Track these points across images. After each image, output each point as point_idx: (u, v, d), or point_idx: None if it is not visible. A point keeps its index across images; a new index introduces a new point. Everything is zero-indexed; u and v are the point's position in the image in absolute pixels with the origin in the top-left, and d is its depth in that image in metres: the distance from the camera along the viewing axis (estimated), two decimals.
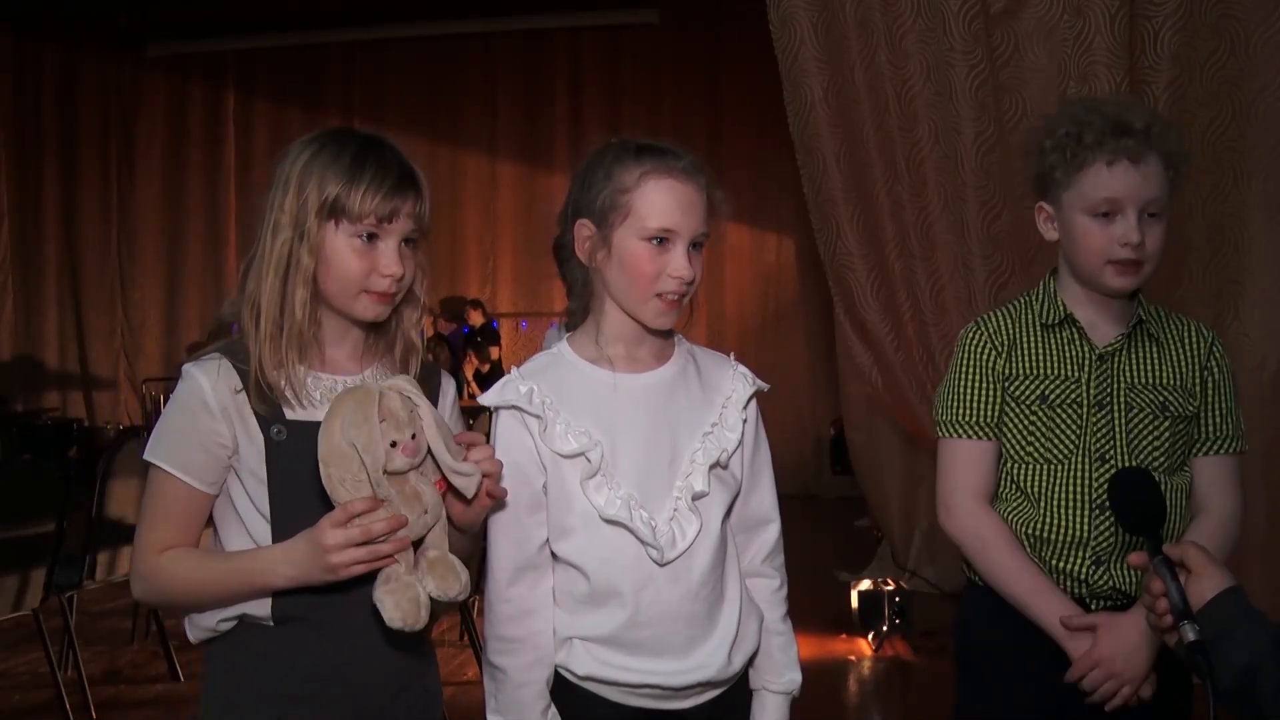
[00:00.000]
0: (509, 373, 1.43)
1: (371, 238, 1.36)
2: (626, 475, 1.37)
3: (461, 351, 8.95)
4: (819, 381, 8.17)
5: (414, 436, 1.27)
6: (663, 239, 1.36)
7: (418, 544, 1.30)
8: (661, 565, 1.36)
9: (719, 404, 1.44)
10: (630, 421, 1.39)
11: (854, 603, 4.33)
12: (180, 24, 9.35)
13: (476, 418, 6.45)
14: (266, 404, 1.36)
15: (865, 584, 4.41)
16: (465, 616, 3.49)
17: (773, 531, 1.50)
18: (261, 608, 1.36)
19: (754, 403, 1.48)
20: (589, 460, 1.37)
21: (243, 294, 1.39)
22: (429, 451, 1.28)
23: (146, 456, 1.38)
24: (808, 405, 8.37)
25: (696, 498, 1.38)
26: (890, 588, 4.34)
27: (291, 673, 1.36)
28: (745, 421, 1.45)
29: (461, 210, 9.69)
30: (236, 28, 9.27)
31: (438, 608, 1.31)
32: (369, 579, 1.28)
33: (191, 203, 9.85)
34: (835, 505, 7.12)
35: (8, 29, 9.16)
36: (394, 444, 1.25)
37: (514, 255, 9.59)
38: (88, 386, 9.75)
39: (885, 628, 4.21)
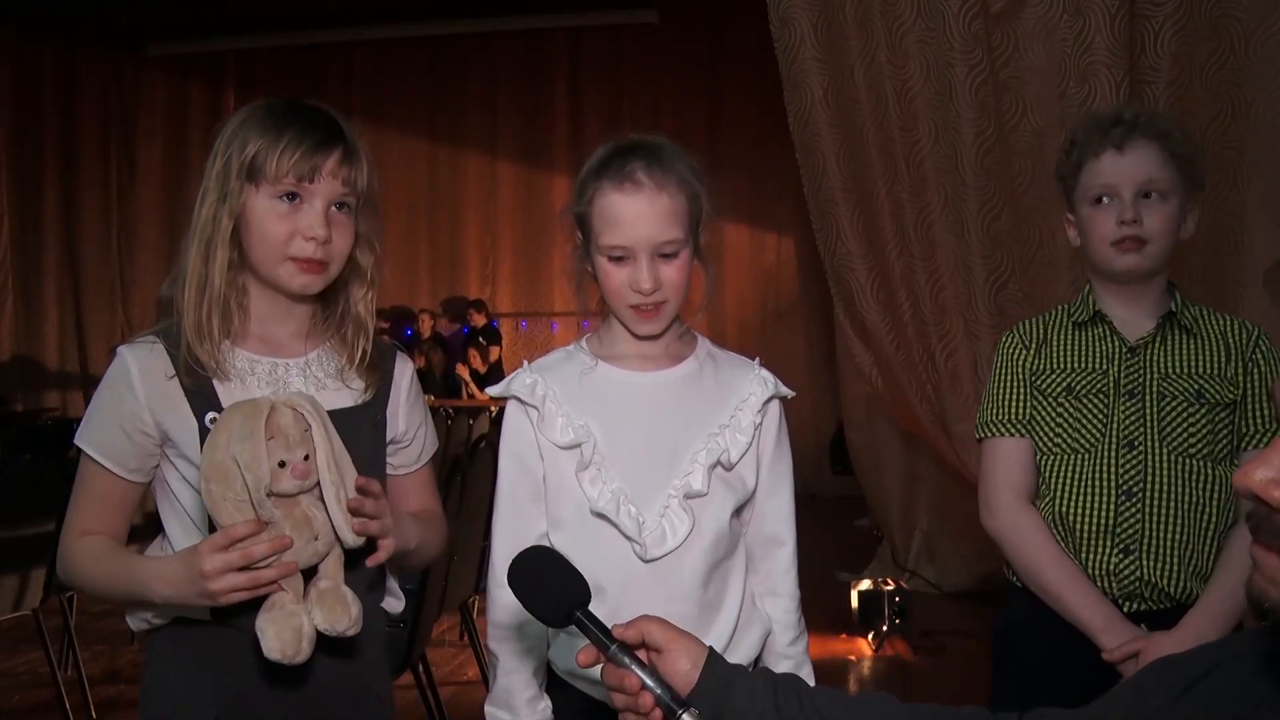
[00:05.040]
0: (521, 368, 1.44)
1: (293, 198, 1.31)
2: (620, 470, 1.36)
3: (460, 352, 8.97)
4: (819, 381, 8.17)
5: (307, 458, 1.19)
6: (621, 254, 1.34)
7: (310, 573, 1.24)
8: (646, 562, 1.35)
9: (733, 405, 1.42)
10: (632, 418, 1.39)
11: (854, 603, 4.33)
12: (180, 24, 9.36)
13: (477, 417, 6.47)
14: (198, 384, 1.31)
15: (865, 584, 4.41)
16: (465, 616, 3.49)
17: (786, 554, 1.46)
18: (199, 609, 1.30)
19: (776, 409, 1.45)
20: (582, 453, 1.36)
21: (175, 268, 1.35)
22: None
23: (75, 440, 1.35)
24: (808, 405, 8.37)
25: (691, 497, 1.36)
26: (890, 588, 4.33)
27: (230, 673, 1.32)
28: (759, 425, 1.42)
29: (461, 210, 9.70)
30: (236, 28, 9.27)
31: (327, 642, 1.24)
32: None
33: (191, 203, 9.76)
34: (835, 505, 7.12)
35: (8, 29, 9.15)
36: (282, 464, 1.18)
37: (514, 255, 9.60)
38: (88, 386, 9.74)
39: (885, 628, 4.20)
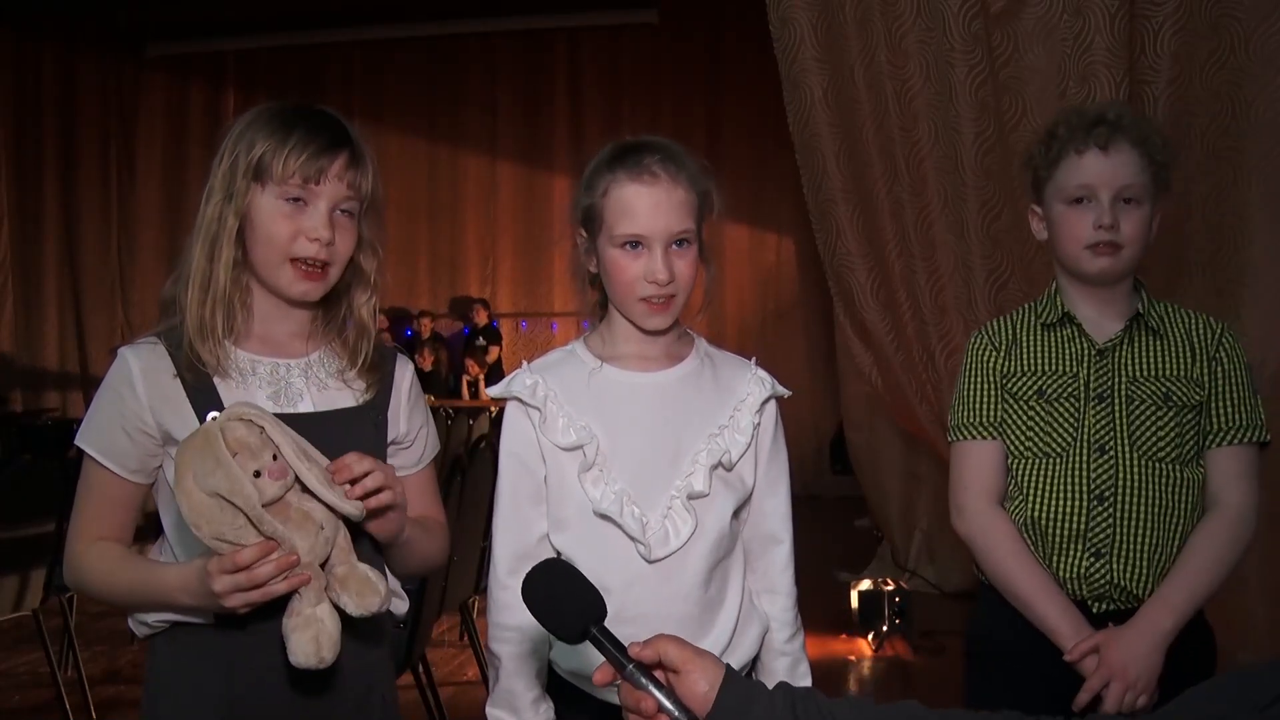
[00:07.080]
0: (520, 368, 1.44)
1: (298, 200, 1.32)
2: (623, 471, 1.37)
3: (462, 353, 8.98)
4: (819, 381, 8.17)
5: (275, 456, 1.18)
6: (636, 244, 1.35)
7: (325, 564, 1.23)
8: (650, 563, 1.35)
9: (731, 406, 1.42)
10: (633, 418, 1.39)
11: (854, 603, 4.33)
12: (180, 24, 9.35)
13: (477, 417, 6.47)
14: (200, 381, 1.31)
15: (865, 584, 4.41)
16: (465, 616, 3.49)
17: (783, 551, 1.47)
18: (204, 614, 1.30)
19: (773, 409, 1.46)
20: (585, 454, 1.37)
21: (179, 267, 1.36)
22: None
23: (76, 441, 1.35)
24: (808, 405, 8.37)
25: (694, 497, 1.37)
26: (890, 588, 4.33)
27: (235, 674, 1.32)
28: (758, 425, 1.42)
29: (461, 210, 9.71)
30: (236, 28, 9.27)
31: (355, 623, 1.24)
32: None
33: (191, 203, 9.53)
34: (835, 505, 7.13)
35: (8, 29, 9.14)
36: (257, 473, 1.17)
37: (514, 255, 9.60)
38: (87, 386, 9.73)
39: (885, 628, 4.20)
